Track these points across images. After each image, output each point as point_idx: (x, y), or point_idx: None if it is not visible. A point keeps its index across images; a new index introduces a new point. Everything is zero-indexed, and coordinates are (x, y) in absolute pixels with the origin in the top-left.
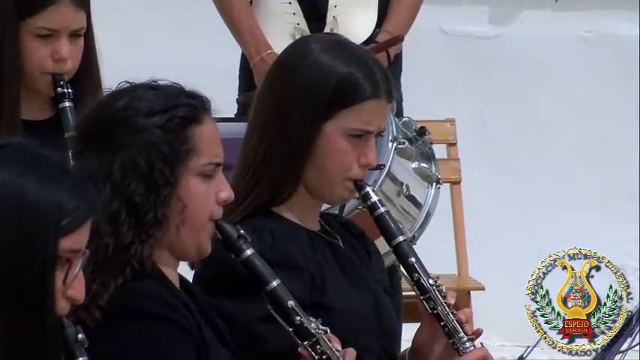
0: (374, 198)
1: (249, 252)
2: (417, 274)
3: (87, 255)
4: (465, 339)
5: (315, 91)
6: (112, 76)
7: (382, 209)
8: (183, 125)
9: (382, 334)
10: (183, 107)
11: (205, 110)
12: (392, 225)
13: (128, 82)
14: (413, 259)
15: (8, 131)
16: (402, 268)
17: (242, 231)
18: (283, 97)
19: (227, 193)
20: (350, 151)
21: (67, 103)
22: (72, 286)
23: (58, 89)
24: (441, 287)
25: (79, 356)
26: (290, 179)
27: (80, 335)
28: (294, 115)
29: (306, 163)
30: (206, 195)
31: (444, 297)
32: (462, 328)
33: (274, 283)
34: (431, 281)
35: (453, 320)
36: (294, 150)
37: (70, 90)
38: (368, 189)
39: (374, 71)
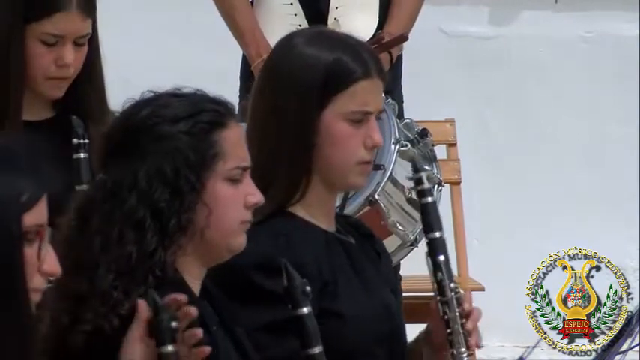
0: (426, 185)
1: (305, 310)
2: (441, 274)
3: (49, 230)
4: (465, 355)
5: (307, 83)
6: (113, 78)
7: (429, 199)
8: (208, 130)
9: (392, 339)
10: (208, 112)
11: (230, 115)
12: (434, 217)
13: (152, 92)
14: (442, 258)
15: (13, 132)
16: (429, 263)
17: (308, 287)
18: (276, 96)
19: (257, 197)
20: (354, 135)
21: (82, 155)
22: (45, 261)
23: (74, 140)
24: (459, 295)
25: (167, 343)
26: (301, 176)
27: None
28: (291, 112)
29: (313, 157)
30: (234, 199)
31: (460, 305)
32: (467, 341)
33: (316, 350)
34: (452, 285)
35: (459, 332)
36: (299, 146)
37: (86, 141)
38: (422, 175)
39: (361, 52)
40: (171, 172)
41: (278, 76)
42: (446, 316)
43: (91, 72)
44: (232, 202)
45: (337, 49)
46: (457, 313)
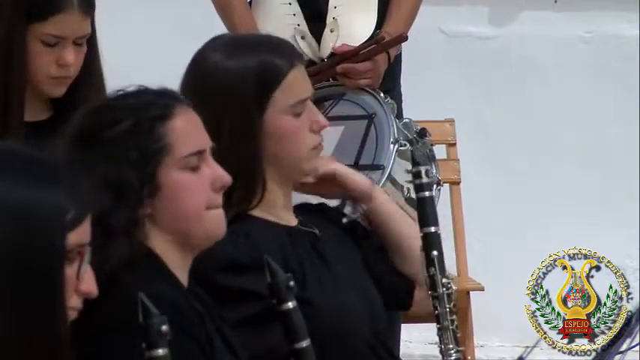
0: (424, 180)
1: (290, 305)
2: (433, 269)
3: (90, 250)
4: (453, 351)
5: (241, 94)
6: (113, 77)
7: (427, 193)
8: (151, 126)
9: (372, 321)
10: (151, 107)
11: (175, 105)
12: (430, 212)
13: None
14: (435, 253)
15: (15, 133)
16: (422, 258)
17: (292, 282)
18: (215, 116)
19: (224, 178)
20: (299, 126)
21: None
22: (84, 281)
23: None
24: (451, 291)
25: (159, 347)
26: (257, 184)
27: (164, 327)
28: (234, 127)
29: (263, 163)
30: (196, 186)
31: (451, 301)
32: (456, 338)
33: (304, 344)
34: (444, 280)
35: (449, 328)
36: (250, 156)
37: None
38: (421, 169)
39: (280, 46)
40: (114, 176)
41: (209, 96)
42: (436, 312)
43: (90, 70)
44: (194, 188)
45: (256, 51)
46: (447, 309)
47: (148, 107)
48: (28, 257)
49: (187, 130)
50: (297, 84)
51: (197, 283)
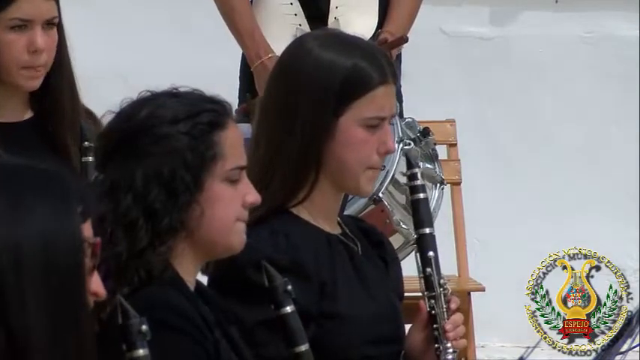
0: (419, 181)
1: (288, 309)
2: (429, 269)
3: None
4: (451, 350)
5: (324, 89)
6: (113, 77)
7: (422, 195)
8: (208, 131)
9: (396, 343)
10: (207, 113)
11: (228, 115)
12: (425, 213)
13: (149, 91)
14: (432, 254)
15: None
16: (417, 260)
17: (289, 287)
18: (288, 98)
19: (254, 196)
20: (368, 140)
21: (90, 158)
22: (93, 281)
23: (85, 142)
24: (447, 291)
25: (139, 347)
26: (307, 177)
27: (144, 326)
28: (303, 114)
29: (323, 159)
30: (232, 199)
31: (448, 301)
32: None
33: (303, 348)
34: (441, 281)
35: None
36: (308, 148)
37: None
38: (417, 170)
39: (377, 57)
40: (168, 173)
41: (292, 78)
42: (433, 312)
43: (60, 61)
44: (231, 201)
45: (354, 54)
46: (444, 309)
47: (205, 112)
48: (55, 252)
49: (237, 143)
50: (381, 100)
51: (228, 274)
